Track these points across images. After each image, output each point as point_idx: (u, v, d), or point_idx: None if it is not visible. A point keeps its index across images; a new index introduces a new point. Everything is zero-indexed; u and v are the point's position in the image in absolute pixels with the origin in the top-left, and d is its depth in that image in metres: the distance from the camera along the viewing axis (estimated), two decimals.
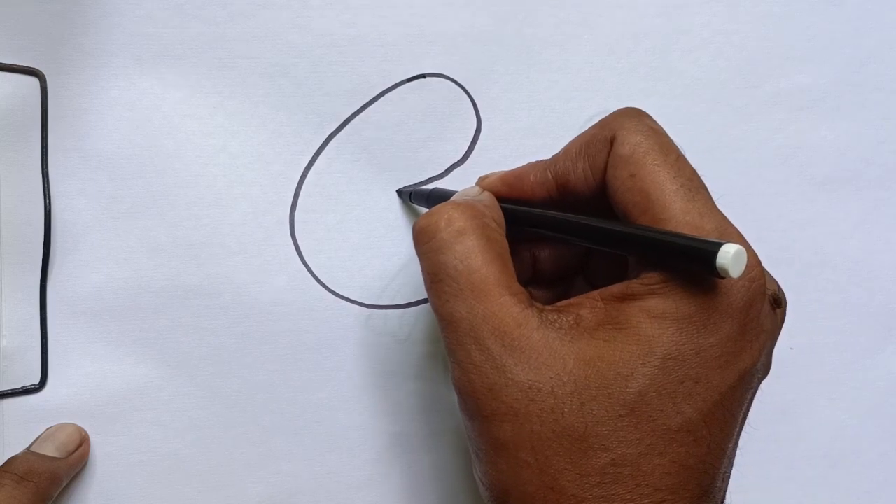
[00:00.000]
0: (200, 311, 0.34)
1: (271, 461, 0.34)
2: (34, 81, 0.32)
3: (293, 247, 0.34)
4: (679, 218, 0.25)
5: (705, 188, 0.26)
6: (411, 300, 0.36)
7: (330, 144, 0.35)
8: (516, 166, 0.30)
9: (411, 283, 0.35)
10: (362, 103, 0.35)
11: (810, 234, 0.39)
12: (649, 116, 0.28)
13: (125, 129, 0.33)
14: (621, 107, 0.29)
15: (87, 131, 0.33)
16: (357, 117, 0.35)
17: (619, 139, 0.27)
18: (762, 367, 0.26)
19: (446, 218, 0.26)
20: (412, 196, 0.35)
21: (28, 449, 0.32)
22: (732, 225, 0.26)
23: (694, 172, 0.27)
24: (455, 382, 0.26)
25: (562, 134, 0.36)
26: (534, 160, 0.30)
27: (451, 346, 0.26)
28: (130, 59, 0.33)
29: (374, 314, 0.35)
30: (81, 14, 0.32)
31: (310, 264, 0.35)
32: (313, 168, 0.34)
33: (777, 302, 0.27)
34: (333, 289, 0.35)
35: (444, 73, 0.35)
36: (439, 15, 0.35)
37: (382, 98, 0.35)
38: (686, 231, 0.25)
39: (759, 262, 0.25)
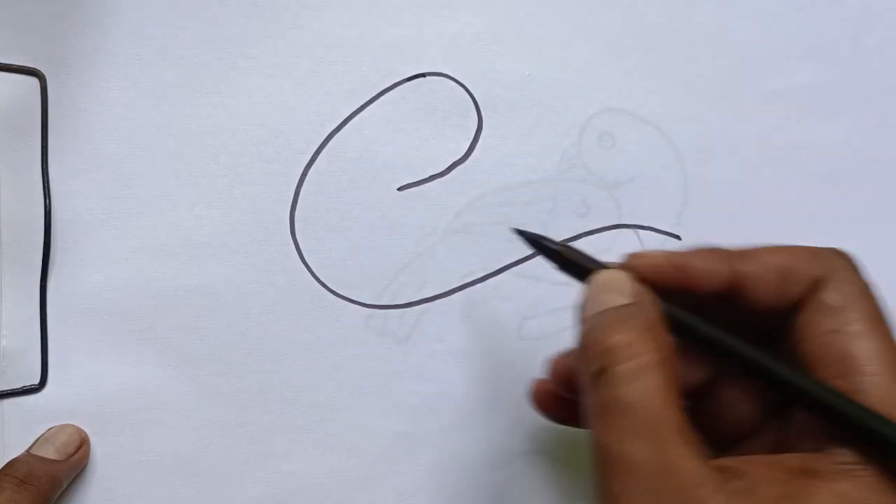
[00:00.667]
0: (200, 311, 0.34)
1: (271, 461, 0.34)
2: (34, 81, 0.32)
3: (293, 246, 0.34)
4: (880, 396, 0.22)
5: None
6: (411, 300, 0.35)
7: (330, 144, 0.35)
8: (678, 250, 0.27)
9: (411, 283, 0.35)
10: (362, 103, 0.35)
11: (811, 233, 0.39)
12: (862, 268, 0.25)
13: (125, 129, 0.33)
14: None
15: (87, 131, 0.33)
16: (357, 116, 0.35)
17: (829, 285, 0.24)
18: None
19: (627, 348, 0.23)
20: (534, 242, 0.29)
21: (28, 451, 0.32)
22: None
23: None
24: None
25: (563, 133, 0.36)
26: (690, 249, 0.27)
27: (614, 491, 0.22)
28: (130, 59, 0.33)
29: (374, 314, 0.35)
30: (81, 14, 0.33)
31: (310, 264, 0.35)
32: (313, 167, 0.34)
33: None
34: (333, 289, 0.35)
35: (445, 73, 0.35)
36: (439, 15, 0.35)
37: (382, 97, 0.35)
38: (885, 412, 0.22)
39: None
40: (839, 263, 0.25)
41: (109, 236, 0.33)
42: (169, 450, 0.34)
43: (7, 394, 0.32)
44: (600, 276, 0.26)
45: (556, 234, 0.36)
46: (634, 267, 0.26)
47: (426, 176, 0.35)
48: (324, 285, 0.35)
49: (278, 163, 0.34)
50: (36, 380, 0.33)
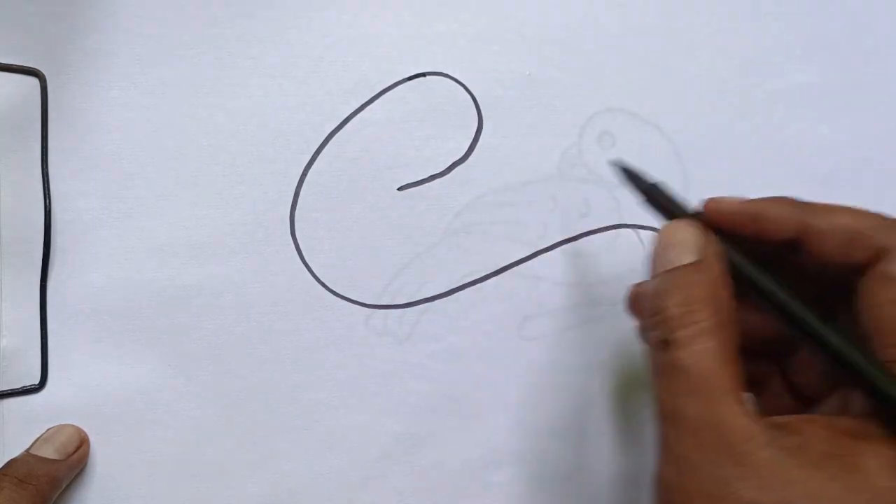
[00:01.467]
0: (200, 311, 0.34)
1: (271, 461, 0.34)
2: (34, 81, 0.32)
3: (293, 246, 0.34)
4: None
5: None
6: (411, 300, 0.35)
7: (330, 143, 0.35)
8: (751, 198, 0.28)
9: (411, 282, 0.35)
10: (362, 103, 0.35)
11: None
12: None
13: (125, 129, 0.33)
14: None
15: (87, 131, 0.33)
16: (357, 116, 0.35)
17: (893, 255, 0.25)
18: None
19: (689, 312, 0.25)
20: (630, 176, 0.31)
21: (27, 451, 0.32)
22: None
23: None
24: (664, 476, 0.25)
25: (563, 132, 0.36)
26: (768, 197, 0.28)
27: (669, 440, 0.25)
28: (130, 59, 0.33)
29: (374, 314, 0.35)
30: (81, 14, 0.33)
31: (310, 264, 0.35)
32: (313, 167, 0.34)
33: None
34: (333, 289, 0.35)
35: (445, 73, 0.35)
36: (439, 14, 0.35)
37: (382, 97, 0.35)
38: None
39: None
40: None
41: (109, 236, 0.33)
42: (169, 450, 0.34)
43: (7, 394, 0.32)
44: (670, 229, 0.28)
45: (557, 233, 0.36)
46: (710, 214, 0.28)
47: (426, 176, 0.35)
48: (324, 285, 0.35)
49: (278, 163, 0.34)
50: (36, 380, 0.33)
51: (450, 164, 0.35)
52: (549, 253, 0.36)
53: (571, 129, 0.36)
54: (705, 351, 0.25)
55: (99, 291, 0.33)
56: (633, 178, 0.30)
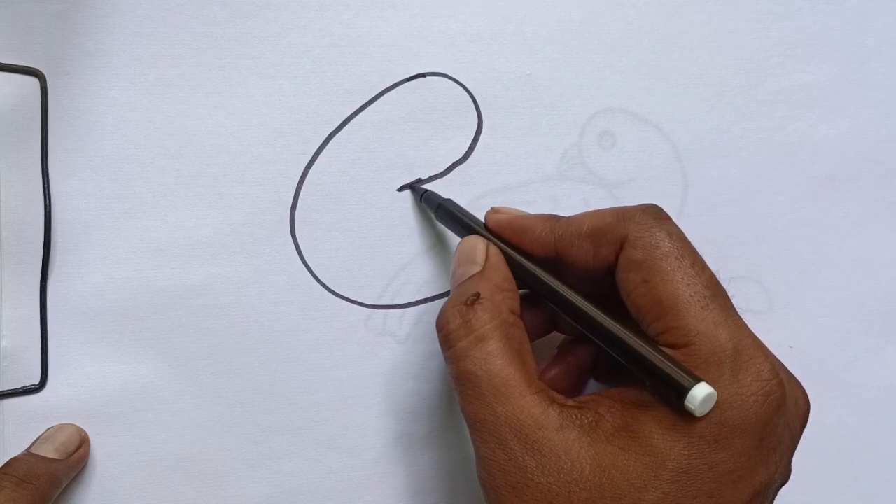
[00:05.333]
0: (200, 311, 0.34)
1: (271, 461, 0.34)
2: (34, 81, 0.32)
3: (293, 246, 0.34)
4: (693, 326, 0.25)
5: (724, 295, 0.26)
6: (411, 300, 0.35)
7: (330, 144, 0.35)
8: (523, 212, 0.31)
9: (411, 282, 0.35)
10: (362, 103, 0.35)
11: (811, 233, 0.39)
12: (667, 218, 0.28)
13: (125, 128, 0.33)
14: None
15: (87, 131, 0.33)
16: (357, 117, 0.35)
17: (631, 241, 0.27)
18: (780, 477, 0.26)
19: (465, 323, 0.27)
20: (423, 198, 0.34)
21: (28, 450, 0.32)
22: (750, 334, 0.26)
23: (711, 279, 0.26)
24: (480, 478, 0.27)
25: (563, 132, 0.36)
26: (538, 213, 0.30)
27: (476, 444, 0.27)
28: (130, 59, 0.33)
29: (374, 314, 0.35)
30: (81, 14, 0.32)
31: (310, 264, 0.35)
32: (314, 167, 0.34)
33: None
34: (333, 289, 0.35)
35: (444, 73, 0.35)
36: (439, 15, 0.35)
37: (382, 97, 0.35)
38: (700, 341, 0.25)
39: (776, 374, 0.25)
40: (639, 219, 0.27)
41: (109, 236, 0.33)
42: (169, 450, 0.34)
43: (7, 394, 0.32)
44: (460, 245, 0.31)
45: None
46: (489, 224, 0.31)
47: (426, 176, 0.35)
48: (324, 285, 0.35)
49: (278, 163, 0.34)
50: (36, 380, 0.33)
51: (450, 164, 0.35)
52: None
53: (571, 129, 0.36)
54: (486, 354, 0.26)
55: (99, 291, 0.33)
56: (426, 196, 0.34)
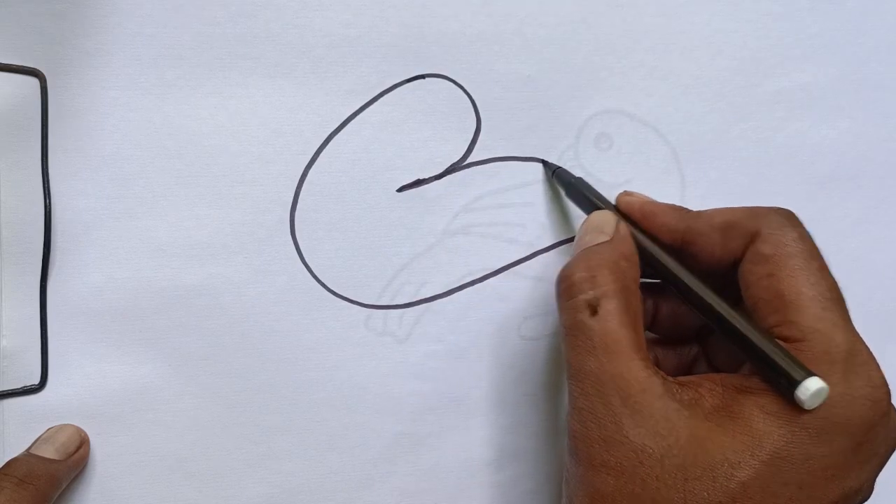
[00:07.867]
0: (200, 311, 0.34)
1: (271, 461, 0.34)
2: (34, 81, 0.32)
3: (293, 247, 0.34)
4: (810, 324, 0.26)
5: (843, 302, 0.27)
6: (411, 300, 0.35)
7: (330, 144, 0.35)
8: (654, 199, 0.33)
9: (411, 282, 0.35)
10: (362, 103, 0.35)
11: (811, 233, 0.39)
12: (799, 222, 0.29)
13: (125, 129, 0.33)
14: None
15: (87, 131, 0.33)
16: (357, 117, 0.35)
17: (763, 237, 0.28)
18: (866, 491, 0.26)
19: (590, 278, 0.28)
20: (554, 174, 0.35)
21: (28, 451, 0.32)
22: (863, 344, 0.26)
23: (834, 285, 0.27)
24: (571, 427, 0.27)
25: (562, 133, 0.36)
26: (668, 203, 0.32)
27: (574, 394, 0.27)
28: (130, 59, 0.33)
29: (374, 314, 0.35)
30: (81, 14, 0.32)
31: (310, 264, 0.35)
32: (314, 168, 0.34)
33: None
34: (333, 289, 0.35)
35: (444, 74, 0.35)
36: (439, 15, 0.35)
37: (382, 98, 0.35)
38: (815, 338, 0.25)
39: (885, 382, 0.25)
40: (773, 218, 0.28)
41: (109, 236, 0.33)
42: (169, 450, 0.34)
43: (7, 394, 0.32)
44: (590, 217, 0.32)
45: (557, 234, 0.36)
46: (620, 206, 0.33)
47: (426, 177, 0.35)
48: (324, 285, 0.35)
49: (278, 163, 0.34)
50: (36, 380, 0.33)
51: (448, 165, 0.35)
52: (547, 253, 0.36)
53: (569, 131, 0.36)
54: (605, 312, 0.27)
55: (99, 291, 0.33)
56: (559, 174, 0.35)
